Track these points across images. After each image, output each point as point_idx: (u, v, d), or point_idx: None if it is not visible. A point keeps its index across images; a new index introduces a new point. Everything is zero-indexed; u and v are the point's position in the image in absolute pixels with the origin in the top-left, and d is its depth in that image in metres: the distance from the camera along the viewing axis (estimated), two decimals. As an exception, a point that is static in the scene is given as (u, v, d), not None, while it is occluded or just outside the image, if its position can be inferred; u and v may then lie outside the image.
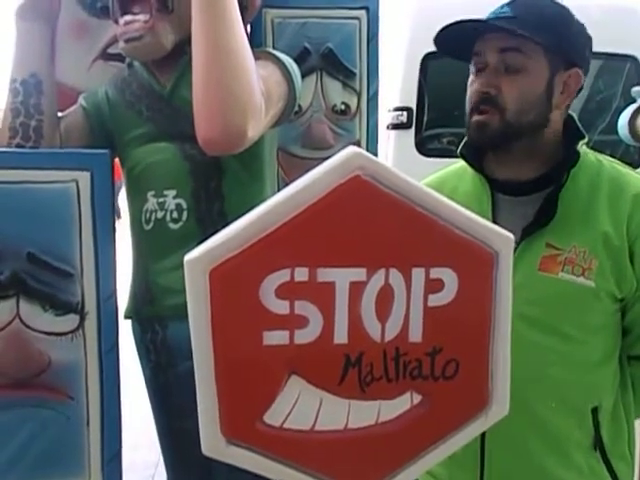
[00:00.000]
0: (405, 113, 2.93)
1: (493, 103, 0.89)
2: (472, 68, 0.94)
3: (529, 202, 0.92)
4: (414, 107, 2.92)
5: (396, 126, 2.94)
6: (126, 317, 1.05)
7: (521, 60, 0.88)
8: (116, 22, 0.97)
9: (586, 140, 0.94)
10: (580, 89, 0.94)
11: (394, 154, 2.93)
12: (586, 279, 0.88)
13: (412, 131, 2.93)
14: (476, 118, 0.90)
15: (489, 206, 0.93)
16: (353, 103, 1.19)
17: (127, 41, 0.95)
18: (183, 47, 0.97)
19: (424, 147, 2.95)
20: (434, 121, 2.97)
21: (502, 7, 0.92)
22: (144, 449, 2.27)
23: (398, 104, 2.93)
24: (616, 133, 2.14)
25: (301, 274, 0.60)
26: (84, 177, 0.86)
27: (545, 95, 0.90)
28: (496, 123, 0.89)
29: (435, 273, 0.64)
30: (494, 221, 0.91)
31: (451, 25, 0.91)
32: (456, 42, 0.93)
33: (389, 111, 2.91)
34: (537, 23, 0.88)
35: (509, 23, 0.88)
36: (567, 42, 0.90)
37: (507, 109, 0.88)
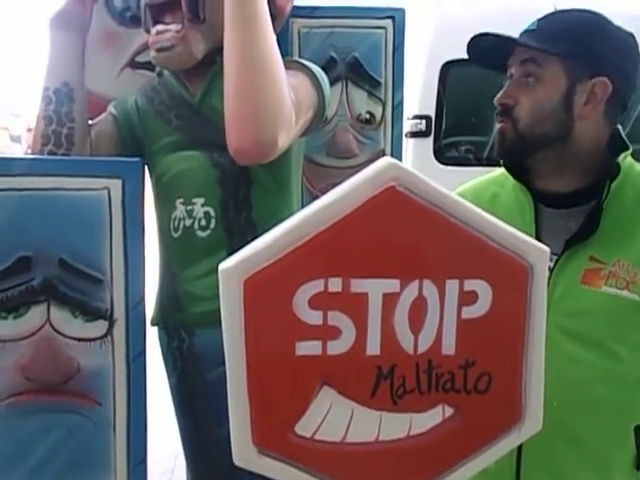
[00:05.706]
0: (424, 121, 2.93)
1: (508, 114, 0.91)
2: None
3: (572, 215, 0.91)
4: (433, 115, 2.91)
5: (415, 134, 2.94)
6: (153, 324, 1.06)
7: (536, 71, 0.89)
8: (148, 32, 0.99)
9: (629, 152, 0.92)
10: (626, 100, 0.92)
11: (412, 162, 2.93)
12: (630, 292, 0.86)
13: (431, 139, 2.93)
14: (496, 127, 0.93)
15: (532, 217, 0.93)
16: (378, 112, 1.20)
17: (159, 51, 0.96)
18: (213, 56, 0.97)
19: (442, 155, 2.94)
20: (453, 129, 2.96)
21: (533, 22, 0.92)
22: (160, 455, 2.28)
23: (417, 112, 2.93)
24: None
25: (334, 285, 0.60)
26: (116, 185, 0.87)
27: (563, 106, 0.89)
28: (510, 133, 0.90)
29: (469, 285, 0.63)
30: (537, 232, 0.91)
31: (480, 36, 0.92)
32: (494, 52, 0.93)
33: (408, 119, 2.91)
34: (557, 34, 0.88)
35: (530, 36, 0.88)
36: (591, 50, 0.88)
37: (520, 120, 0.90)
